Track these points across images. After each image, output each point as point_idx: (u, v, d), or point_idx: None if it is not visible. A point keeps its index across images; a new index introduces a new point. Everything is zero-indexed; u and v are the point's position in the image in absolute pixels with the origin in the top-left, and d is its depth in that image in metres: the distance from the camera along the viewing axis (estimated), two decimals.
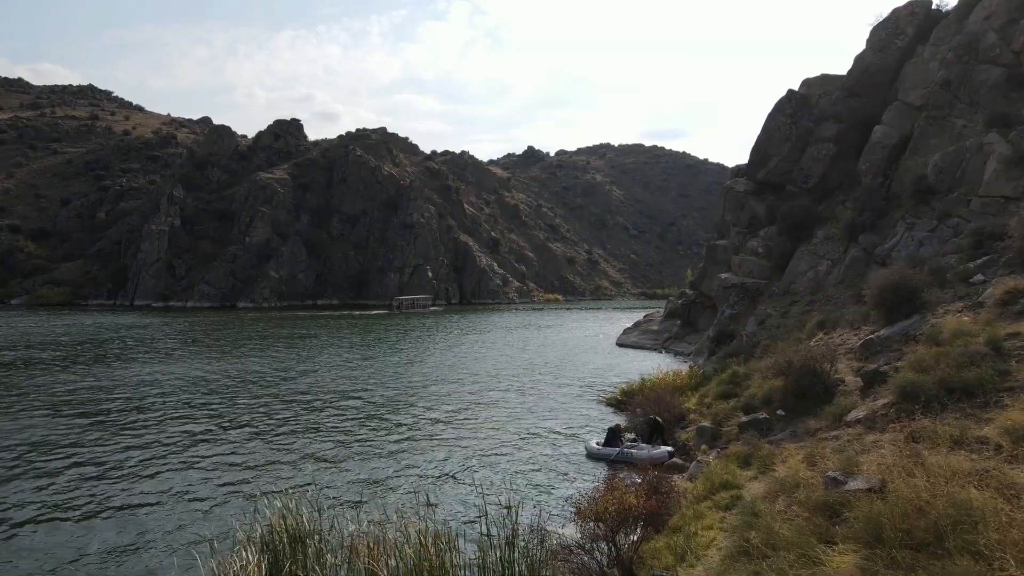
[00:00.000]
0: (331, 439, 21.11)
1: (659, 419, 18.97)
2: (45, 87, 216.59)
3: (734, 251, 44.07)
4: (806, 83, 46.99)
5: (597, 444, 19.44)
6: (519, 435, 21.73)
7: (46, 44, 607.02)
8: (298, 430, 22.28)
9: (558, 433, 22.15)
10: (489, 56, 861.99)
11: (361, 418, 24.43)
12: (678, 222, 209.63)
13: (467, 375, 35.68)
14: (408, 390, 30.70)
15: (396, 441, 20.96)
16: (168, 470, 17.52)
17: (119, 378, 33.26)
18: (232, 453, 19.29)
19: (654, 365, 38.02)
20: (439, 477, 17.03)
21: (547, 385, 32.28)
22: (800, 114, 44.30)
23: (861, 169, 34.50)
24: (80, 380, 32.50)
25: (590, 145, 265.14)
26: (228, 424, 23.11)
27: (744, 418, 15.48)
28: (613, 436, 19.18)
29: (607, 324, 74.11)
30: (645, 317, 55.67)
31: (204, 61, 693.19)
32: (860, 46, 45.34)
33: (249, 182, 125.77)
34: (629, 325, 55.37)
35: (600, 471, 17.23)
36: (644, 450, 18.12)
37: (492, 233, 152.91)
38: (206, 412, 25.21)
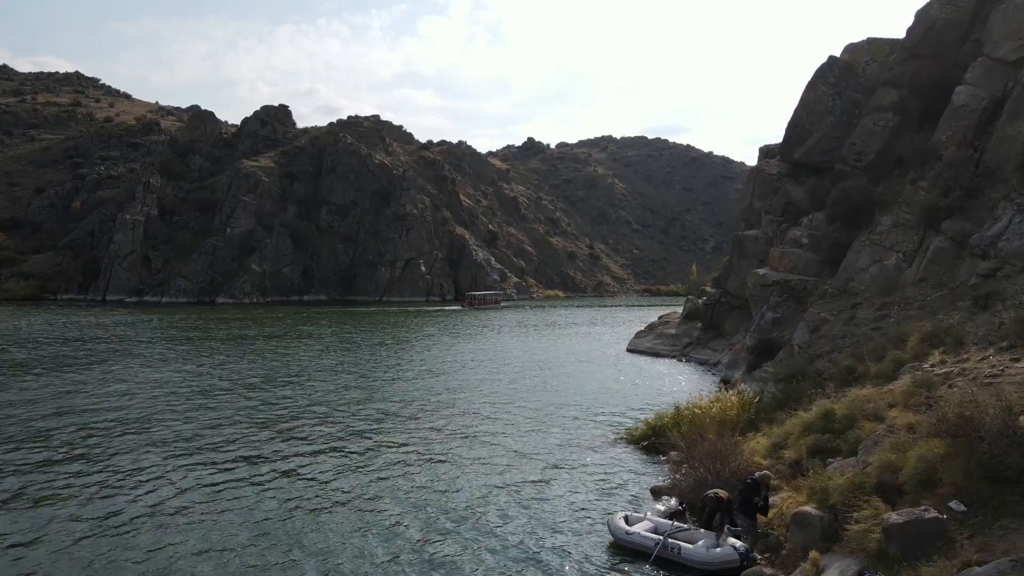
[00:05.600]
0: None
1: (726, 495, 12.16)
2: (30, 74, 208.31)
3: (768, 242, 37.66)
4: (850, 48, 40.55)
5: (626, 521, 12.88)
6: (503, 501, 15.14)
7: (47, 39, 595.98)
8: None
9: (560, 494, 15.61)
10: (490, 51, 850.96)
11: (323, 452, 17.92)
12: (682, 217, 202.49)
13: (444, 395, 29.13)
14: (381, 416, 24.18)
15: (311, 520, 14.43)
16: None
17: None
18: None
19: (679, 380, 31.69)
20: None
21: (545, 409, 25.63)
22: (845, 83, 37.93)
23: (939, 140, 27.91)
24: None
25: (592, 137, 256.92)
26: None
27: (894, 517, 8.91)
28: (752, 494, 11.56)
29: (612, 325, 67.57)
30: (660, 319, 49.06)
31: (205, 55, 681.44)
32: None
33: (232, 170, 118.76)
34: (642, 328, 48.78)
35: None
36: (700, 545, 11.54)
37: (490, 226, 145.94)
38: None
